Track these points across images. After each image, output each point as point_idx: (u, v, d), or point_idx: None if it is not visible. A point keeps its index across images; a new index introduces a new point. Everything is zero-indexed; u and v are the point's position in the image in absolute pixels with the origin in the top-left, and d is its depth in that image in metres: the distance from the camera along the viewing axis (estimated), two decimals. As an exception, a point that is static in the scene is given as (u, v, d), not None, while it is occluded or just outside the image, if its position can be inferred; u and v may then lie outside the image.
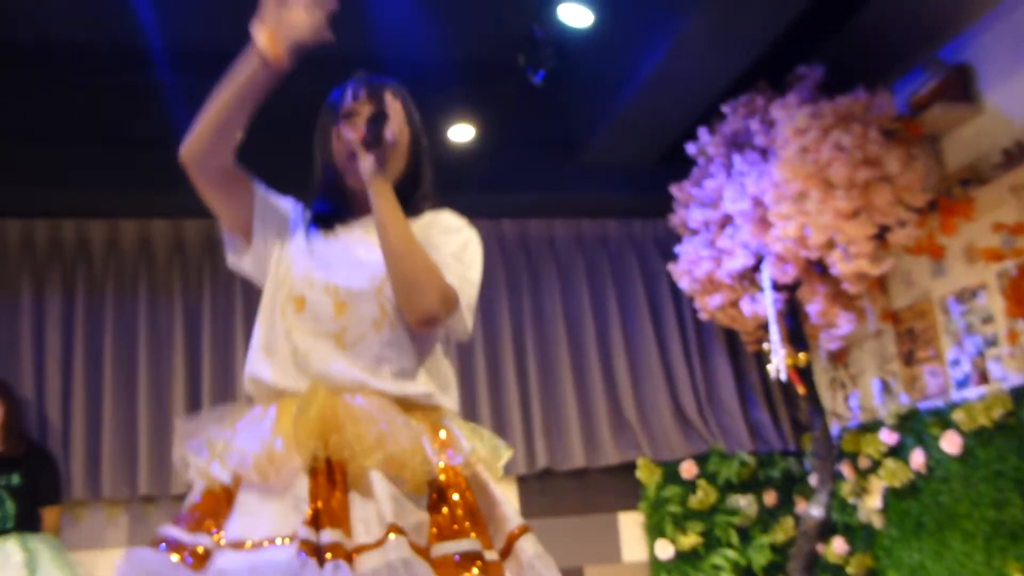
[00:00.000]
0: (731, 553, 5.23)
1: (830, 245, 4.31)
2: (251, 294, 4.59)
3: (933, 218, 4.47)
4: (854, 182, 4.16)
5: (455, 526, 1.70)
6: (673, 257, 5.21)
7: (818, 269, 4.56)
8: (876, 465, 4.78)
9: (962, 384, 4.42)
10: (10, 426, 4.42)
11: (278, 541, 1.61)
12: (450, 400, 1.90)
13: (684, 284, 5.10)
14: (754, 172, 4.50)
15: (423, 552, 1.64)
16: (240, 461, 1.71)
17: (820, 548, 4.94)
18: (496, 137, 5.28)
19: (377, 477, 1.67)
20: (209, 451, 1.77)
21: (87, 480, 4.69)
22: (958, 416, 4.26)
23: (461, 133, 5.26)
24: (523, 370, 5.41)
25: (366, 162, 1.82)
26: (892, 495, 4.69)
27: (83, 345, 4.87)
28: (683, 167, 5.11)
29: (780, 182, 4.27)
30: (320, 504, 1.63)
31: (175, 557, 1.64)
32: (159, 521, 4.48)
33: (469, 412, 5.26)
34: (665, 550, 5.23)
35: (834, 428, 5.18)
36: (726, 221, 4.83)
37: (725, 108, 4.81)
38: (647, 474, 5.32)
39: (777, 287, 4.70)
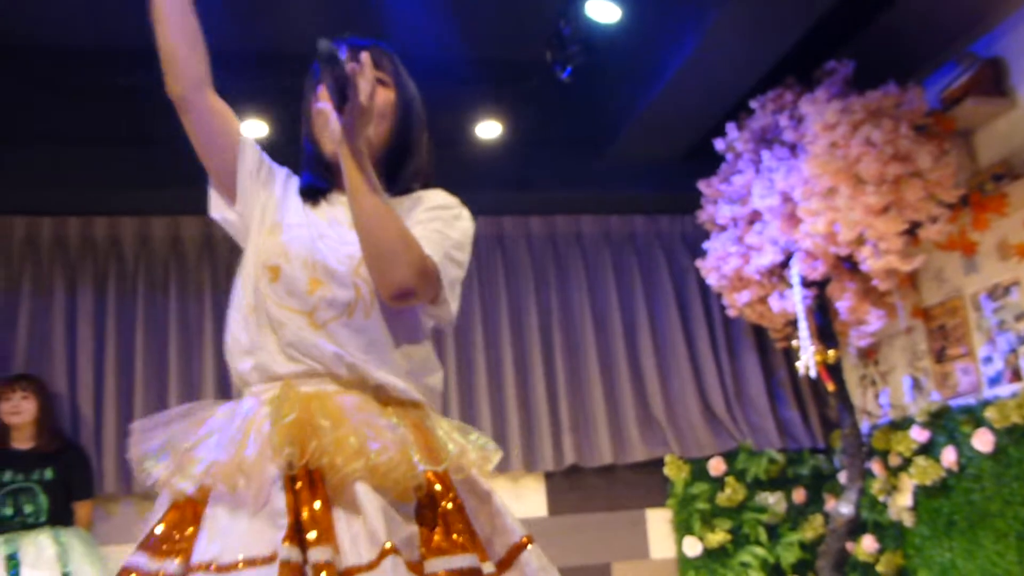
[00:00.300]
0: (759, 551, 5.21)
1: (860, 241, 4.28)
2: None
3: (965, 213, 4.42)
4: (884, 178, 4.12)
5: (451, 539, 1.55)
6: (701, 253, 5.19)
7: (848, 265, 4.53)
8: (907, 463, 4.74)
9: (994, 381, 4.37)
10: (43, 422, 4.48)
11: (252, 564, 1.43)
12: (431, 397, 1.76)
13: (712, 280, 5.08)
14: (783, 168, 4.47)
15: (416, 568, 1.50)
16: (205, 470, 1.54)
17: (850, 546, 4.91)
18: (523, 134, 5.28)
19: (363, 488, 1.50)
20: (172, 457, 1.61)
21: (119, 475, 4.74)
22: (990, 414, 4.22)
23: (488, 130, 5.26)
24: (551, 366, 5.41)
25: (334, 126, 1.66)
26: (923, 493, 4.65)
27: (115, 341, 4.92)
28: (711, 163, 5.09)
29: (809, 178, 4.24)
30: (304, 514, 1.47)
31: None
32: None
33: (496, 409, 5.27)
34: (693, 547, 5.21)
35: (864, 425, 5.15)
36: (755, 217, 4.81)
37: (754, 103, 4.78)
38: (675, 471, 5.31)
39: (806, 283, 4.67)
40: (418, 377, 1.73)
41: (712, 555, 5.22)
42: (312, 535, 1.44)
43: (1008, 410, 4.12)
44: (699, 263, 5.16)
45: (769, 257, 4.67)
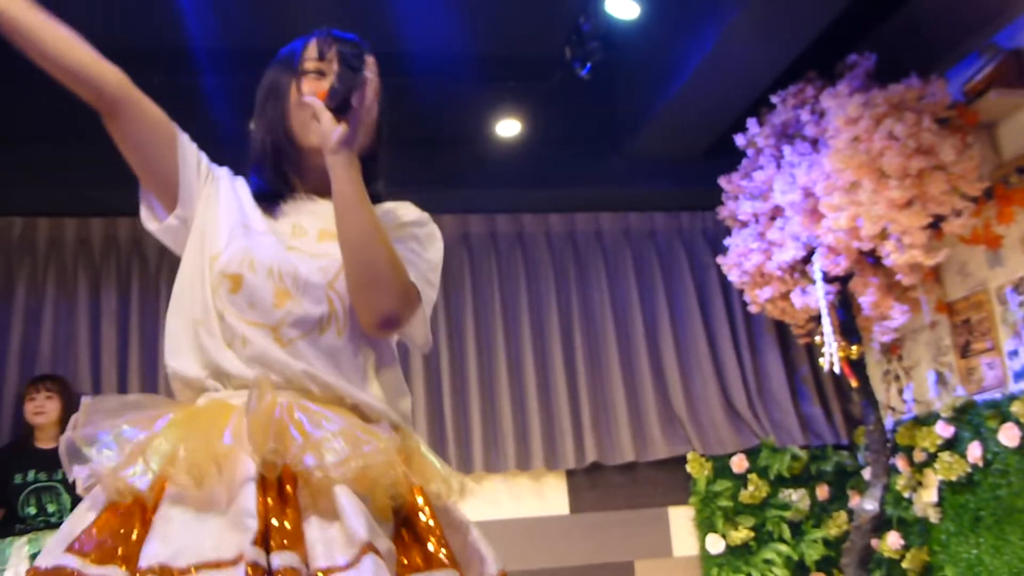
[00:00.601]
0: (783, 548, 5.19)
1: (883, 236, 4.24)
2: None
3: (989, 207, 4.38)
4: (907, 171, 4.09)
5: (431, 554, 1.43)
6: (722, 250, 5.16)
7: (871, 260, 4.50)
8: (932, 458, 4.71)
9: (1020, 376, 4.33)
10: (67, 421, 4.48)
11: (215, 567, 1.27)
12: (406, 422, 1.62)
13: (734, 277, 5.05)
14: (804, 163, 4.45)
15: None
16: (168, 460, 1.36)
17: (874, 543, 4.88)
18: (543, 131, 5.27)
19: (343, 491, 1.36)
20: (119, 448, 1.41)
21: (143, 474, 4.77)
22: (1017, 408, 4.18)
23: (507, 128, 5.26)
24: (571, 364, 5.40)
25: (332, 130, 1.51)
26: (948, 489, 4.62)
27: (138, 341, 4.95)
28: (732, 159, 5.06)
29: (831, 172, 4.21)
30: (274, 520, 1.32)
31: None
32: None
33: (517, 407, 5.27)
34: (716, 544, 5.19)
35: (888, 421, 5.11)
36: (776, 213, 4.78)
37: (775, 98, 4.76)
38: (697, 468, 5.29)
39: (829, 279, 4.64)
40: (392, 401, 1.60)
41: (735, 552, 5.20)
42: (279, 541, 1.30)
43: (1034, 405, 4.09)
44: (720, 260, 5.14)
45: (791, 253, 4.64)
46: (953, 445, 4.60)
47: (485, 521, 4.98)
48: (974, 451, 4.43)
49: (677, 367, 5.48)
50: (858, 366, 4.77)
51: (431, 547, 1.44)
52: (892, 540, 4.94)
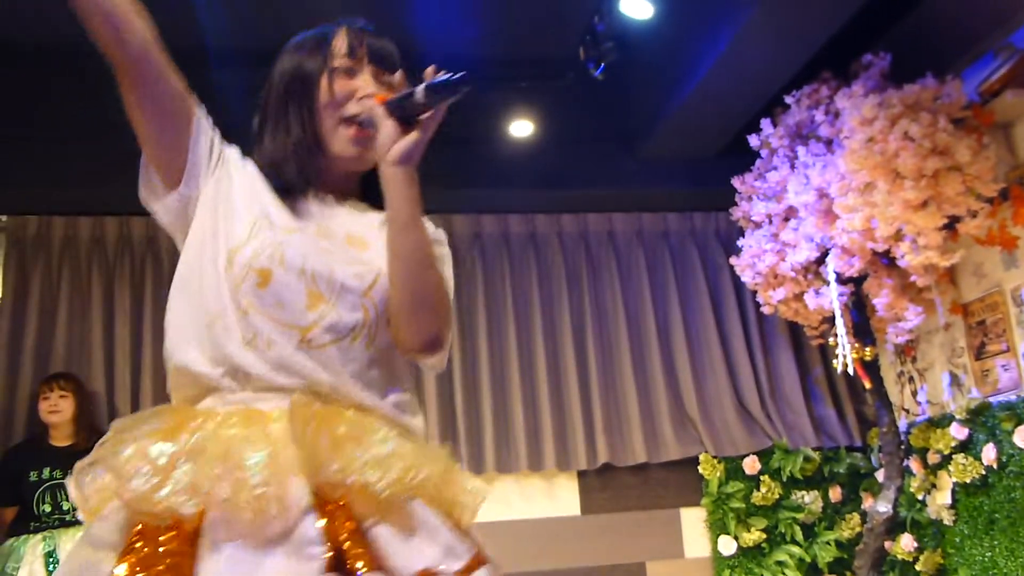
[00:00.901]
0: (795, 550, 5.17)
1: (898, 237, 4.23)
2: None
3: (1005, 208, 4.36)
4: (923, 172, 4.07)
5: None
6: (736, 251, 5.15)
7: (885, 261, 4.48)
8: (946, 460, 4.69)
9: (1036, 378, 4.31)
10: (81, 419, 4.53)
11: None
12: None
13: (747, 278, 5.04)
14: (819, 163, 4.43)
15: None
16: (210, 480, 1.22)
17: (888, 545, 4.86)
18: (556, 132, 5.27)
19: (420, 504, 1.31)
20: (152, 470, 1.25)
21: (156, 473, 4.78)
22: (1032, 411, 4.16)
23: (520, 128, 5.26)
24: (584, 365, 5.39)
25: (394, 140, 1.42)
26: (962, 491, 4.59)
27: (151, 340, 4.96)
28: (745, 159, 5.05)
29: (846, 173, 4.20)
30: (345, 543, 1.22)
31: None
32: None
33: (530, 408, 5.26)
34: (728, 546, 5.18)
35: (901, 423, 5.09)
36: (790, 214, 4.77)
37: (789, 99, 4.74)
38: (709, 470, 5.28)
39: (842, 280, 4.62)
40: (411, 417, 1.51)
41: (747, 554, 5.18)
42: (359, 565, 1.21)
43: (1050, 407, 4.07)
44: (733, 260, 5.13)
45: (805, 254, 4.63)
46: (967, 447, 4.58)
47: (496, 522, 4.98)
48: (988, 453, 4.41)
49: (690, 368, 5.47)
50: (872, 367, 4.75)
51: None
52: (905, 542, 4.92)
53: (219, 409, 1.37)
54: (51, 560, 4.18)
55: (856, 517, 5.27)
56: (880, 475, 4.86)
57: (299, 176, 1.53)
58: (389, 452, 1.32)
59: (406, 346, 1.48)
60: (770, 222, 4.89)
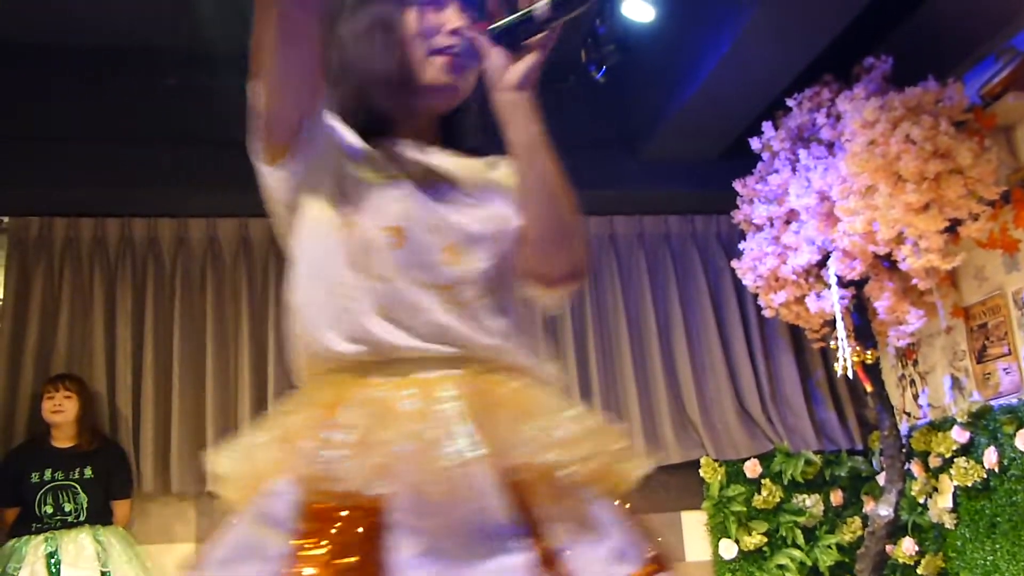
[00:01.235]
0: (796, 553, 5.16)
1: (899, 240, 4.22)
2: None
3: (1006, 211, 4.36)
4: (924, 175, 4.07)
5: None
6: (737, 254, 5.15)
7: (886, 264, 4.48)
8: (947, 464, 4.68)
9: (1037, 381, 4.31)
10: (83, 421, 4.53)
11: None
12: None
13: (748, 281, 5.04)
14: (820, 166, 4.43)
15: None
16: (403, 466, 1.13)
17: (889, 549, 4.85)
18: (557, 135, 5.23)
19: (595, 495, 1.25)
20: (337, 445, 1.16)
21: (157, 474, 4.78)
22: (1033, 414, 4.16)
23: (522, 130, 5.25)
24: (584, 367, 5.39)
25: (506, 66, 1.34)
26: (964, 494, 4.59)
27: (153, 341, 4.96)
28: (747, 162, 5.05)
29: (848, 176, 4.20)
30: (536, 528, 1.14)
31: None
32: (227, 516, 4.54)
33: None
34: (729, 550, 5.17)
35: (903, 426, 5.09)
36: (791, 217, 4.77)
37: (790, 102, 4.74)
38: (710, 473, 5.27)
39: (843, 283, 4.62)
40: (547, 365, 1.40)
41: (748, 557, 5.18)
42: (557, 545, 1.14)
43: (1052, 410, 4.06)
44: (735, 263, 5.13)
45: (806, 257, 4.63)
46: (969, 450, 4.57)
47: (498, 524, 4.97)
48: (990, 457, 4.41)
49: (691, 371, 5.46)
50: (873, 371, 4.75)
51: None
52: (907, 546, 4.91)
53: (381, 384, 1.26)
54: (52, 561, 4.18)
55: (857, 521, 5.26)
56: (881, 478, 4.86)
57: (381, 118, 1.43)
58: (576, 432, 1.24)
59: (549, 279, 1.39)
60: (771, 225, 4.89)
